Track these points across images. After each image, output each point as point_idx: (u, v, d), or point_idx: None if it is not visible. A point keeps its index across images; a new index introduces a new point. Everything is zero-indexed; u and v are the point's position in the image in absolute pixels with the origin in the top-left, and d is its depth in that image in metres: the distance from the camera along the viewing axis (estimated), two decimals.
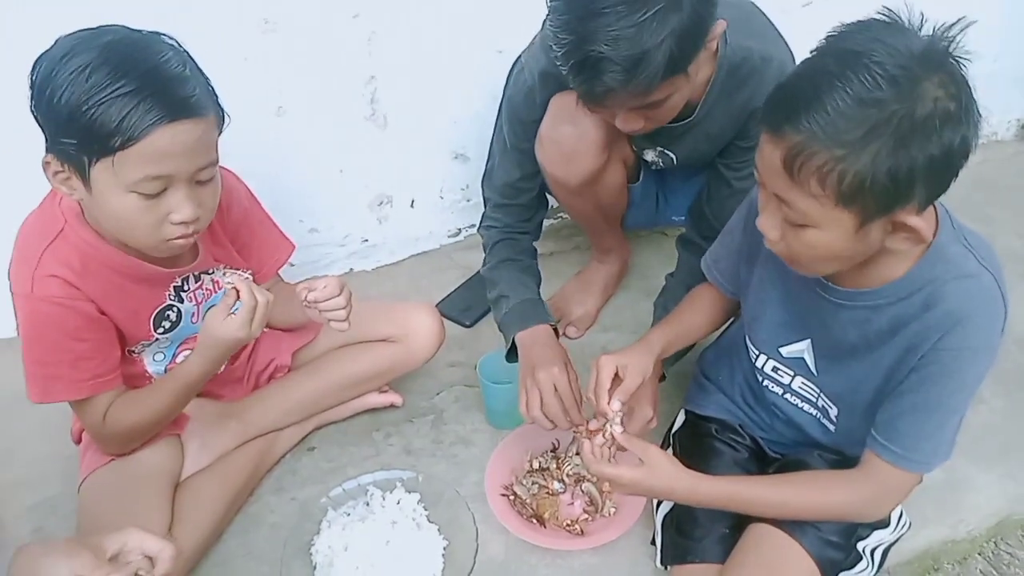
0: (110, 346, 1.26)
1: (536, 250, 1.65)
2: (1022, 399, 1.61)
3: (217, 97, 1.14)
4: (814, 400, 1.20)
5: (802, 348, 1.17)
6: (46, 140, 1.09)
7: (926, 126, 0.86)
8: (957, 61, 0.88)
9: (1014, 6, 2.19)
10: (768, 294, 1.18)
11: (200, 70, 1.13)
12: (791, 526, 1.13)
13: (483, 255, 1.65)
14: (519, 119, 1.51)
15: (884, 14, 0.90)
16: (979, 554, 1.45)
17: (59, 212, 1.18)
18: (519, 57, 1.52)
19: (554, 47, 1.17)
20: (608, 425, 1.16)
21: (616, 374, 1.20)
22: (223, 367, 1.45)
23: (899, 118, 0.85)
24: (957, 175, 0.91)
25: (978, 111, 0.89)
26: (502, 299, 1.53)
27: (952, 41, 0.88)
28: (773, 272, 1.16)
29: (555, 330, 1.49)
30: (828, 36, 0.92)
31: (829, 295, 1.08)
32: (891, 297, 1.03)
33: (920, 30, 0.88)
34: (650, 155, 1.58)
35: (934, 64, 0.87)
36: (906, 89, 0.85)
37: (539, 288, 1.59)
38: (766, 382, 1.25)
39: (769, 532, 1.13)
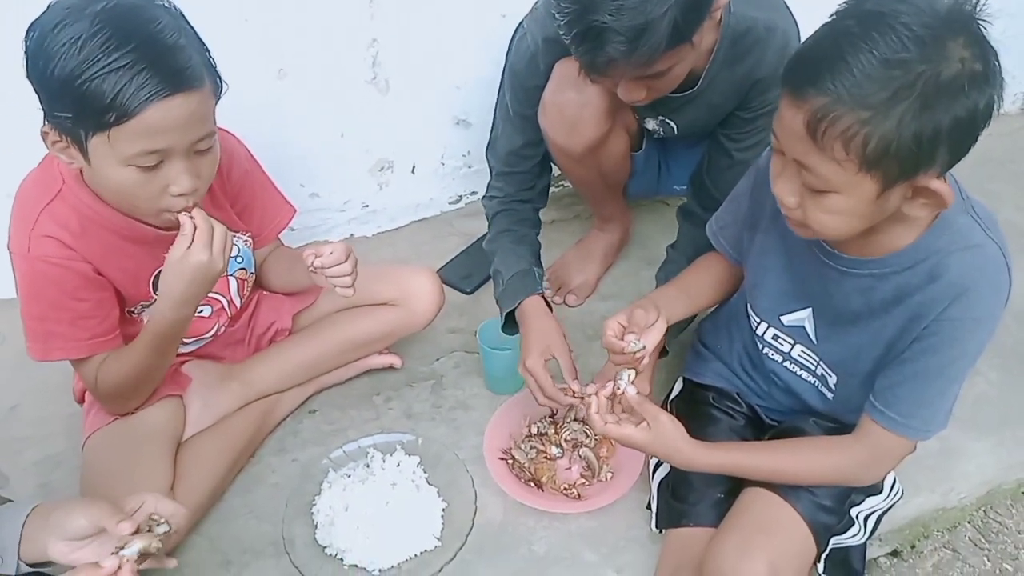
0: (109, 306, 1.26)
1: (538, 218, 1.65)
2: (1018, 372, 1.62)
3: (214, 64, 1.12)
4: (813, 368, 1.21)
5: (803, 316, 1.17)
6: (42, 109, 1.07)
7: (952, 87, 0.84)
8: (981, 23, 0.86)
9: None
10: (770, 261, 1.19)
11: (196, 36, 1.10)
12: (785, 490, 1.15)
13: (484, 222, 1.65)
14: (522, 85, 1.50)
15: None
16: (968, 522, 1.48)
17: (58, 172, 1.18)
18: (521, 23, 1.50)
19: (557, 16, 1.16)
20: (618, 382, 1.14)
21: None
22: (221, 321, 1.46)
23: (925, 79, 0.84)
24: (977, 139, 0.90)
25: (1002, 74, 0.87)
26: (498, 274, 1.54)
27: (977, 2, 0.86)
28: (775, 239, 1.16)
29: (545, 299, 1.48)
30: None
31: (833, 263, 1.08)
32: (896, 266, 1.03)
33: None
34: (651, 124, 1.58)
35: (959, 25, 0.85)
36: (932, 49, 0.84)
37: (536, 255, 1.58)
38: (766, 350, 1.26)
39: (763, 495, 1.15)
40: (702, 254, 1.35)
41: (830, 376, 1.19)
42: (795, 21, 1.39)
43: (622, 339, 1.14)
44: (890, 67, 0.84)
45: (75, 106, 1.03)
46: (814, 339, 1.18)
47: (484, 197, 1.65)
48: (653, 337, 1.15)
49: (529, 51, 1.46)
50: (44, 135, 1.10)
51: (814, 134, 0.88)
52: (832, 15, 0.91)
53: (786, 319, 1.20)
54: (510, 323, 1.50)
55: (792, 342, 1.21)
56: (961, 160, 0.92)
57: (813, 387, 1.23)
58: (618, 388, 1.13)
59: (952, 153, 0.89)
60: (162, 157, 1.09)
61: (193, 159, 1.12)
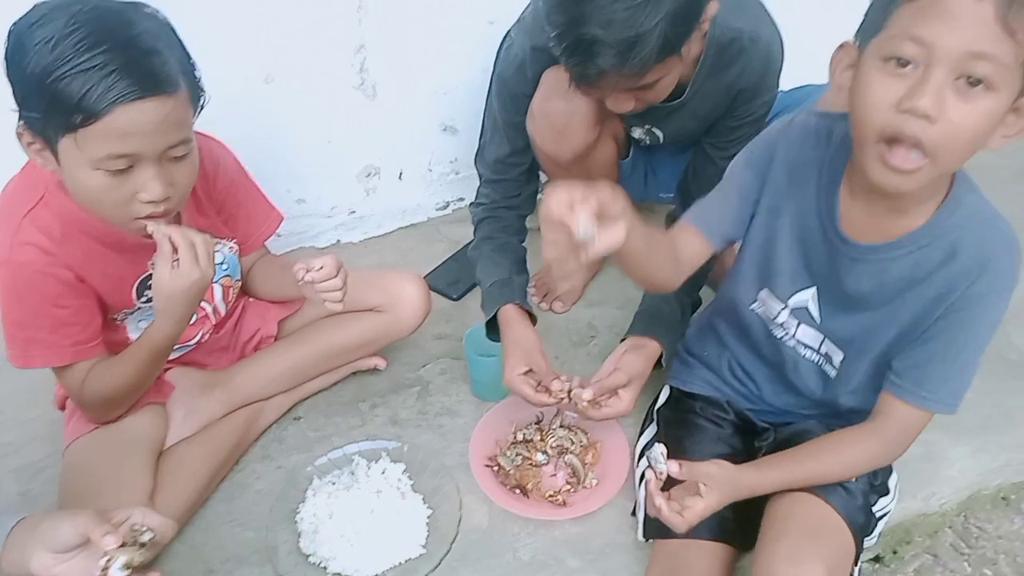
0: (91, 313, 1.25)
1: (523, 224, 1.65)
2: (1000, 376, 1.62)
3: (195, 71, 1.11)
4: (816, 347, 1.20)
5: (806, 297, 1.17)
6: (16, 108, 1.06)
7: None
8: None
9: None
10: (786, 245, 1.17)
11: (178, 42, 1.09)
12: (823, 491, 1.14)
13: (471, 228, 1.65)
14: (510, 93, 1.50)
15: None
16: (950, 528, 1.48)
17: (41, 178, 1.17)
18: (509, 31, 1.51)
19: (547, 28, 1.17)
20: (658, 466, 1.09)
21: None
22: (205, 328, 1.46)
23: None
24: None
25: None
26: (481, 283, 1.55)
27: None
28: (787, 220, 1.15)
29: (522, 307, 1.49)
30: None
31: (847, 250, 1.09)
32: (910, 247, 1.04)
33: None
34: (638, 132, 1.59)
35: None
36: None
37: (519, 262, 1.58)
38: (782, 336, 1.23)
39: (800, 498, 1.13)
40: None
41: (836, 354, 1.18)
42: (778, 31, 1.40)
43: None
44: None
45: (44, 105, 1.02)
46: (817, 318, 1.17)
47: (472, 204, 1.65)
48: (607, 237, 0.87)
49: (517, 59, 1.46)
50: (19, 136, 1.09)
51: (1007, 10, 0.83)
52: None
53: (791, 300, 1.19)
54: (494, 331, 1.50)
55: (796, 322, 1.21)
56: None
57: (816, 366, 1.22)
58: (661, 473, 1.09)
59: None
60: (132, 162, 1.07)
61: (166, 166, 1.11)
